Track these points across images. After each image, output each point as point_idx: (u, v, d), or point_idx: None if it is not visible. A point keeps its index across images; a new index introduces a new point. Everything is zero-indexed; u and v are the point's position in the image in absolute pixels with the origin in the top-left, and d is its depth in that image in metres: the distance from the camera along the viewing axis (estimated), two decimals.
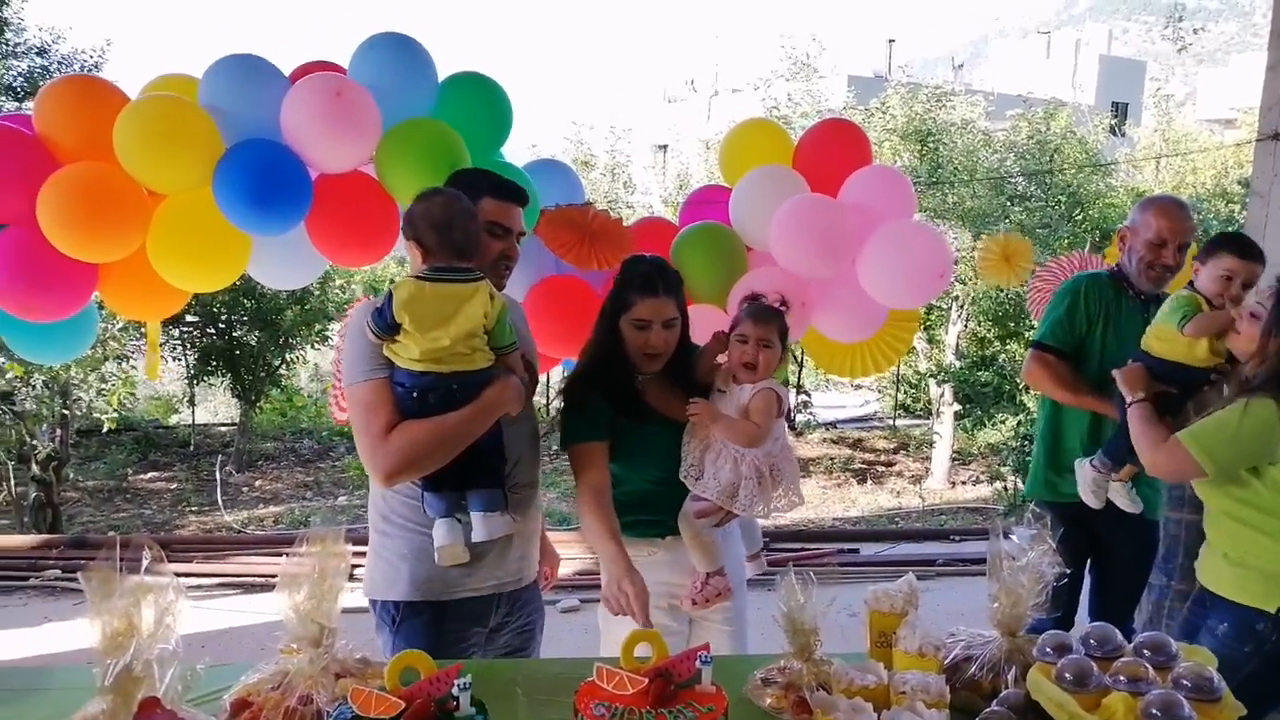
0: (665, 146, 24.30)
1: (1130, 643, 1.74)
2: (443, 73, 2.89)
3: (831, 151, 3.17)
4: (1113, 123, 17.73)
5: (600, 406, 2.31)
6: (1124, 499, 2.90)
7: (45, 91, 2.59)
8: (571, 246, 2.90)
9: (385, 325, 1.99)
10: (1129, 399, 2.58)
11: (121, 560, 1.54)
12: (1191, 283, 2.69)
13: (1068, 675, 1.58)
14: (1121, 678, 1.57)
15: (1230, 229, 10.33)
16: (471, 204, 2.11)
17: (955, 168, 11.45)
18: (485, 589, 2.21)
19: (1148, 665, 1.61)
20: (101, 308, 3.51)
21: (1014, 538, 1.94)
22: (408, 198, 2.62)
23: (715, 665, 1.63)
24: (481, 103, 2.86)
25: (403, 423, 2.01)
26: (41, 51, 10.33)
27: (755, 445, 2.28)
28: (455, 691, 1.49)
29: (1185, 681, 1.55)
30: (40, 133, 2.56)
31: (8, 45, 10.08)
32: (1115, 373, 2.70)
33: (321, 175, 2.69)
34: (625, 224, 3.08)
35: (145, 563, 1.55)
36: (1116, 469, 2.86)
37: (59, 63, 10.11)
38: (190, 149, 2.51)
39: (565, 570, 5.38)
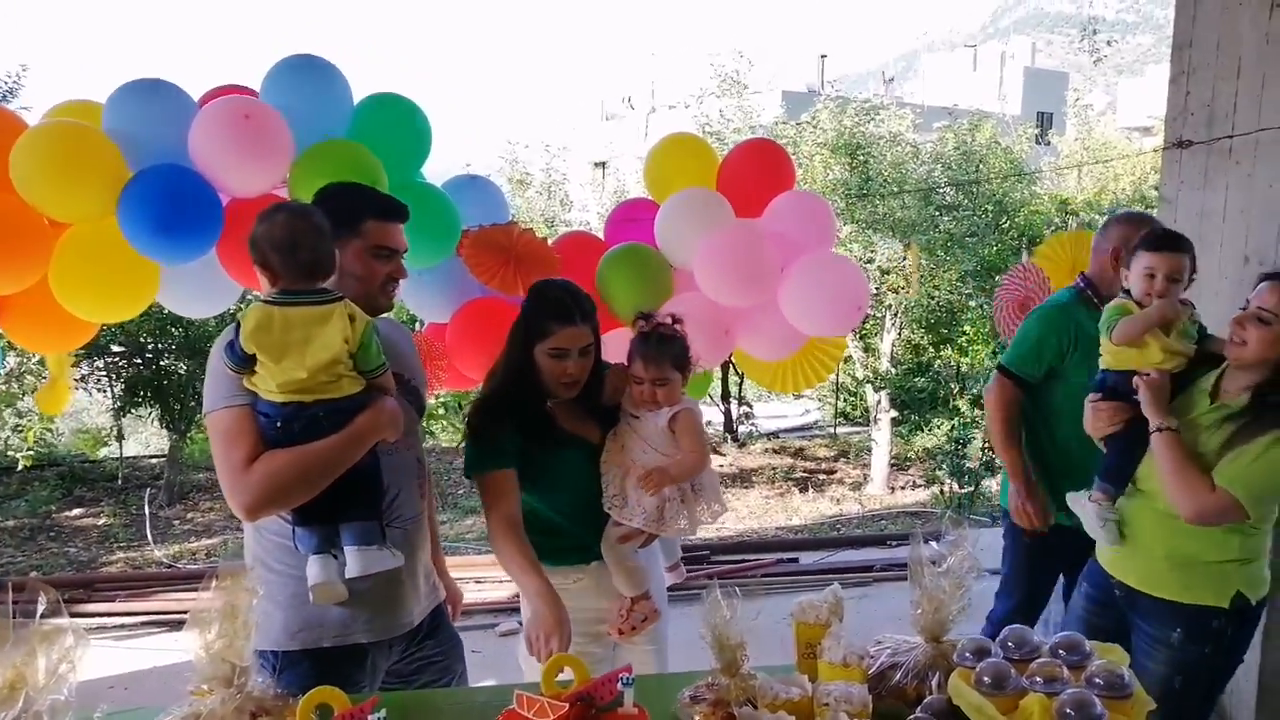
0: (604, 164, 24.39)
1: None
2: (368, 94, 2.86)
3: (755, 172, 3.21)
4: (1037, 132, 18.29)
5: (509, 433, 2.25)
6: (1095, 524, 2.51)
7: None
8: (495, 271, 2.87)
9: (238, 358, 1.86)
10: (1156, 424, 2.31)
11: (16, 606, 1.48)
12: (1126, 289, 2.52)
13: (986, 679, 1.60)
14: (1038, 679, 1.60)
15: None
16: (321, 219, 1.94)
17: (885, 180, 11.67)
18: (371, 633, 2.07)
19: (1063, 665, 1.64)
20: (10, 345, 3.38)
21: (934, 544, 1.97)
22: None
23: (641, 685, 1.62)
24: (398, 123, 2.82)
25: (265, 453, 1.88)
26: None
27: (704, 468, 2.31)
28: None
29: (1098, 680, 1.59)
30: None
31: None
32: (1141, 387, 2.38)
33: (233, 200, 2.63)
34: (550, 241, 3.07)
35: (40, 608, 1.49)
36: (1120, 491, 2.50)
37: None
38: (93, 176, 2.44)
39: (502, 594, 5.30)
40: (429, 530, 2.30)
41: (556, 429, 2.30)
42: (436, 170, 3.12)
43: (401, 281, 2.18)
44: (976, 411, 10.44)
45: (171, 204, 2.42)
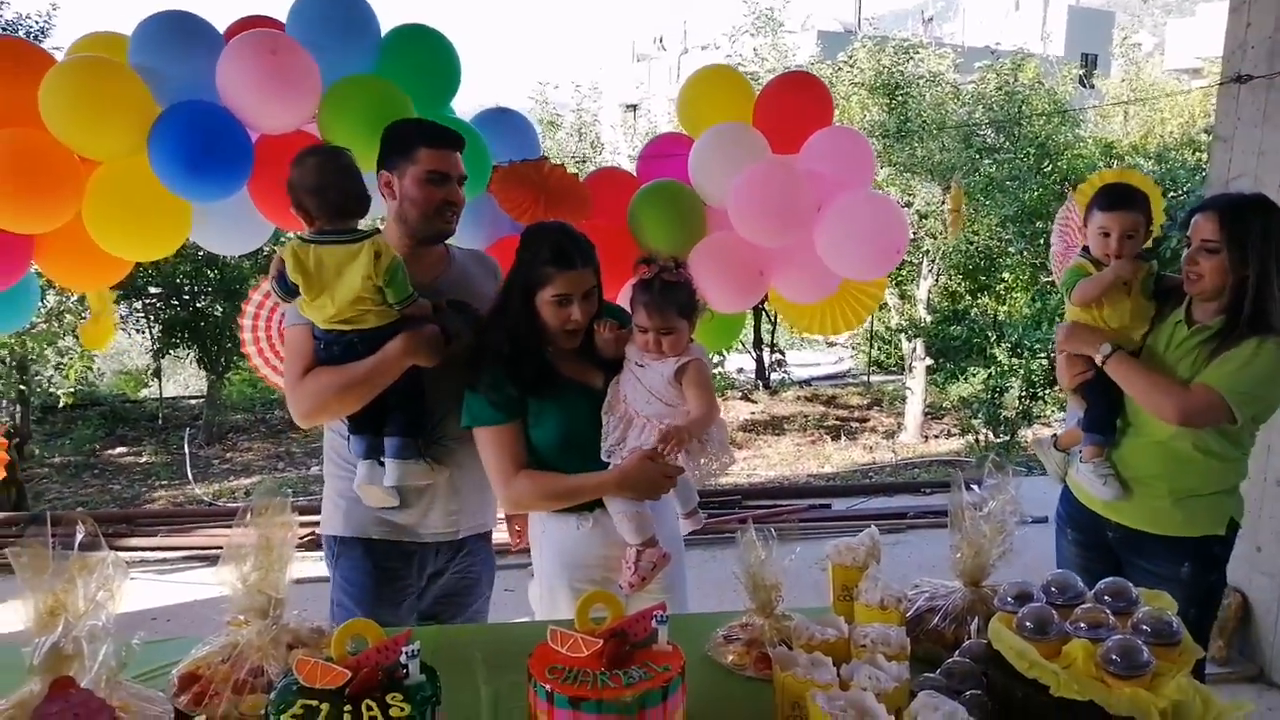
0: (634, 106, 24.04)
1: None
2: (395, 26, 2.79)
3: (793, 106, 3.10)
4: (1081, 73, 17.71)
5: (507, 385, 2.17)
6: (1096, 482, 2.48)
7: None
8: (527, 207, 2.82)
9: (285, 288, 2.10)
10: (1099, 354, 2.39)
11: (56, 538, 1.49)
12: (1085, 248, 2.52)
13: (1028, 624, 1.57)
14: (1082, 625, 1.56)
15: (1198, 177, 10.38)
16: (349, 160, 2.14)
17: (924, 121, 11.36)
18: (419, 536, 2.30)
19: (1108, 611, 1.59)
20: (49, 283, 3.40)
21: (975, 489, 1.93)
22: (354, 154, 2.55)
23: (676, 624, 1.60)
24: (426, 56, 2.76)
25: (316, 369, 2.15)
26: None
27: (714, 420, 2.19)
28: (403, 659, 1.45)
29: (1145, 626, 1.54)
30: None
31: None
32: (1062, 334, 2.49)
33: (262, 136, 2.59)
34: (582, 177, 3.01)
35: (79, 539, 1.50)
36: (1109, 439, 2.49)
37: (3, 29, 9.76)
38: (121, 112, 2.41)
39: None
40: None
41: (557, 376, 2.22)
42: (466, 110, 3.06)
43: None
44: (1014, 360, 10.29)
45: (201, 142, 2.40)
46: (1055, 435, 2.81)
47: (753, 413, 13.17)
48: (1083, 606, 1.62)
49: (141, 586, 5.12)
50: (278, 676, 1.57)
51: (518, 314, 2.17)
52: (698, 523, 2.40)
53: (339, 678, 1.42)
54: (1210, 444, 2.34)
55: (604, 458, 2.17)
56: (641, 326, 2.16)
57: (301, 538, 2.95)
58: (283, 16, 2.67)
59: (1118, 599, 1.68)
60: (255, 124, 2.54)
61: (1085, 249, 2.50)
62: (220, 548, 1.66)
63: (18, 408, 8.40)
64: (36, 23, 10.11)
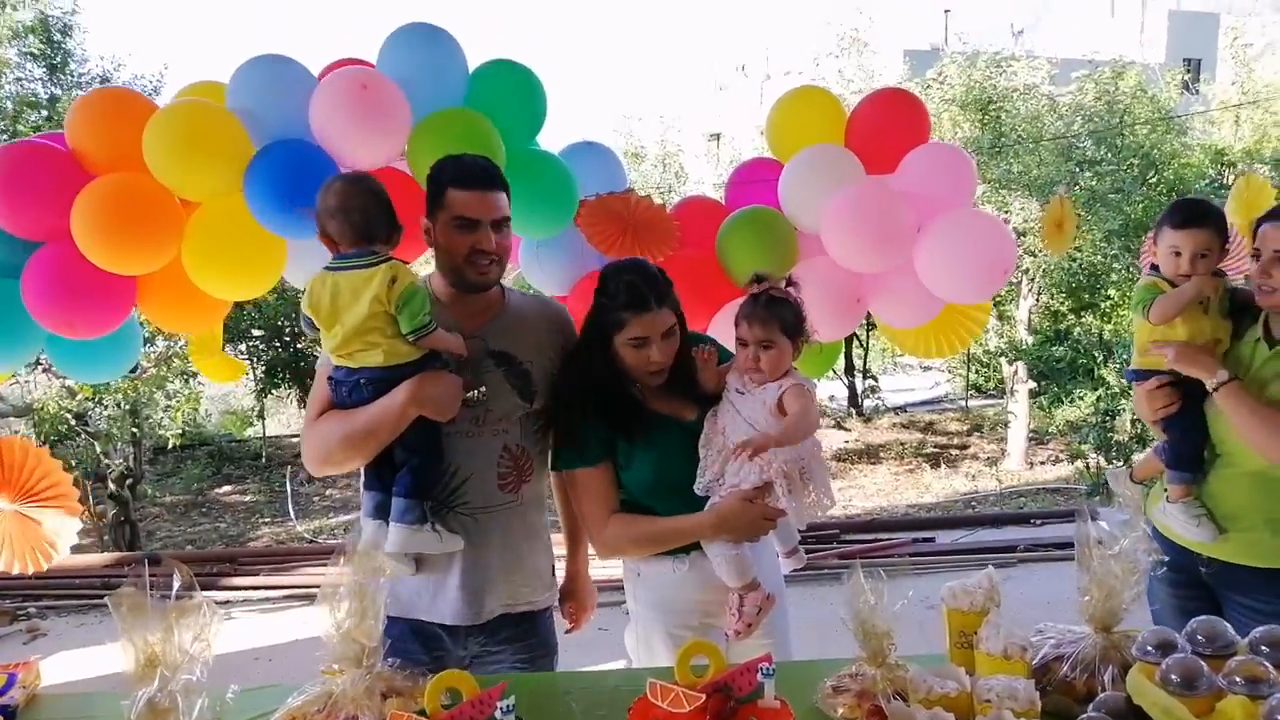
0: (718, 135, 24.05)
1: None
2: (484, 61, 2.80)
3: (887, 125, 2.97)
4: (1185, 78, 16.93)
5: (594, 426, 2.09)
6: (1189, 524, 2.29)
7: (75, 106, 2.57)
8: (614, 241, 2.78)
9: (307, 322, 1.97)
10: (1213, 380, 2.19)
11: (155, 579, 1.49)
12: (1155, 266, 2.37)
13: (1174, 677, 1.43)
14: (1238, 679, 1.41)
15: None
16: (375, 185, 1.99)
17: (1019, 135, 11.01)
18: (435, 617, 2.07)
19: (1267, 664, 1.44)
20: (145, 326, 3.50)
21: (1102, 522, 1.78)
22: None
23: (780, 672, 1.51)
24: (514, 90, 2.75)
25: (328, 413, 1.98)
26: (104, 80, 10.64)
27: (810, 435, 2.07)
28: (498, 715, 1.39)
29: None
30: (72, 147, 2.53)
31: (72, 77, 10.42)
32: (1172, 354, 2.26)
33: None
34: (668, 208, 2.96)
35: (176, 586, 1.50)
36: (1197, 476, 2.31)
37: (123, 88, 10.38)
38: (219, 153, 2.45)
39: None
40: (535, 528, 2.19)
41: (647, 412, 2.12)
42: (552, 146, 3.04)
43: (509, 254, 2.11)
44: (1125, 381, 9.81)
45: (294, 179, 2.40)
46: (1130, 467, 2.62)
47: (846, 441, 12.89)
48: (1237, 659, 1.47)
49: (245, 625, 5.25)
50: None
51: (597, 358, 2.08)
52: (799, 561, 2.29)
53: None
54: None
55: (699, 492, 2.08)
56: (741, 340, 2.08)
57: None
58: (374, 60, 2.71)
59: (1276, 649, 1.52)
60: (347, 160, 2.56)
61: (1154, 267, 2.35)
62: (320, 587, 1.64)
63: (131, 449, 8.80)
64: (150, 82, 10.73)
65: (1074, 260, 10.93)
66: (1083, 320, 11.82)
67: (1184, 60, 27.52)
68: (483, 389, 2.03)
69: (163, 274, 2.61)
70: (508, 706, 1.40)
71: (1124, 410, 9.47)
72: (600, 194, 2.81)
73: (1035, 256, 10.68)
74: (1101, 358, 10.29)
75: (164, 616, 1.45)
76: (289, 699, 1.63)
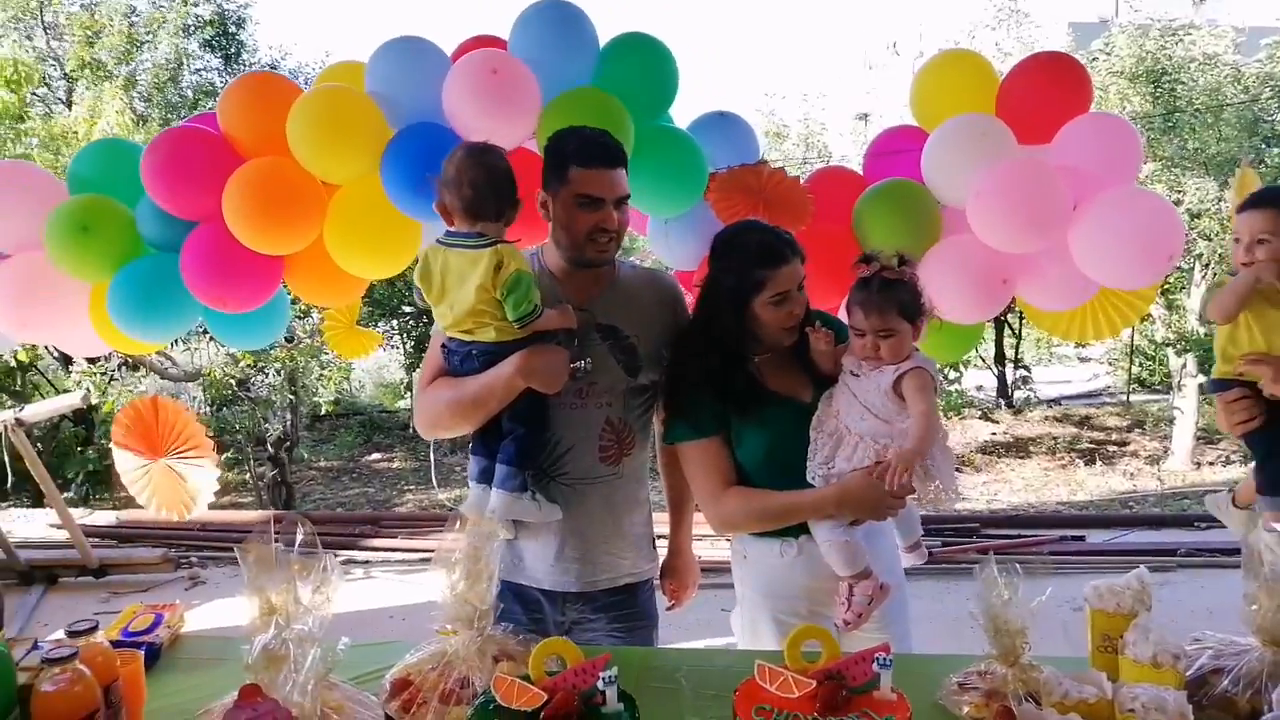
0: (866, 115, 23.37)
1: None
2: (614, 35, 2.78)
3: (1044, 92, 2.74)
4: None
5: (710, 401, 2.06)
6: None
7: (226, 91, 2.70)
8: (744, 214, 2.70)
9: (418, 292, 2.02)
10: None
11: (277, 538, 1.55)
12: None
13: None
14: None
15: None
16: (498, 157, 1.99)
17: (1196, 108, 10.14)
18: (537, 580, 2.12)
19: None
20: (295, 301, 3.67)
21: (1277, 526, 1.61)
22: None
23: (901, 664, 1.43)
24: (644, 65, 2.71)
25: (440, 379, 2.04)
26: (272, 68, 11.31)
27: (936, 438, 1.95)
28: (601, 685, 1.38)
29: None
30: (225, 131, 2.67)
31: (245, 67, 11.13)
32: (1250, 370, 2.08)
33: None
34: (802, 179, 2.85)
35: (299, 540, 1.55)
36: None
37: (288, 74, 11.01)
38: (357, 138, 2.53)
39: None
40: (635, 501, 2.19)
41: (763, 390, 2.07)
42: (688, 120, 2.98)
43: (637, 233, 2.11)
44: None
45: (428, 162, 2.44)
46: (1232, 490, 2.38)
47: (994, 433, 12.32)
48: None
49: (383, 585, 5.51)
50: (483, 687, 1.55)
51: (727, 325, 2.03)
52: (921, 557, 2.17)
53: (535, 699, 1.38)
54: None
55: (809, 478, 2.01)
56: (858, 329, 1.99)
57: None
58: (507, 35, 2.73)
59: None
60: None
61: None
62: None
63: (288, 415, 9.37)
64: (314, 69, 11.33)
65: None
66: None
67: None
68: (588, 361, 2.04)
69: (307, 252, 2.72)
70: (610, 677, 1.38)
71: None
72: (732, 166, 2.74)
73: (1210, 240, 9.85)
74: None
75: (286, 569, 1.50)
76: (406, 655, 1.67)
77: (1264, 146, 9.95)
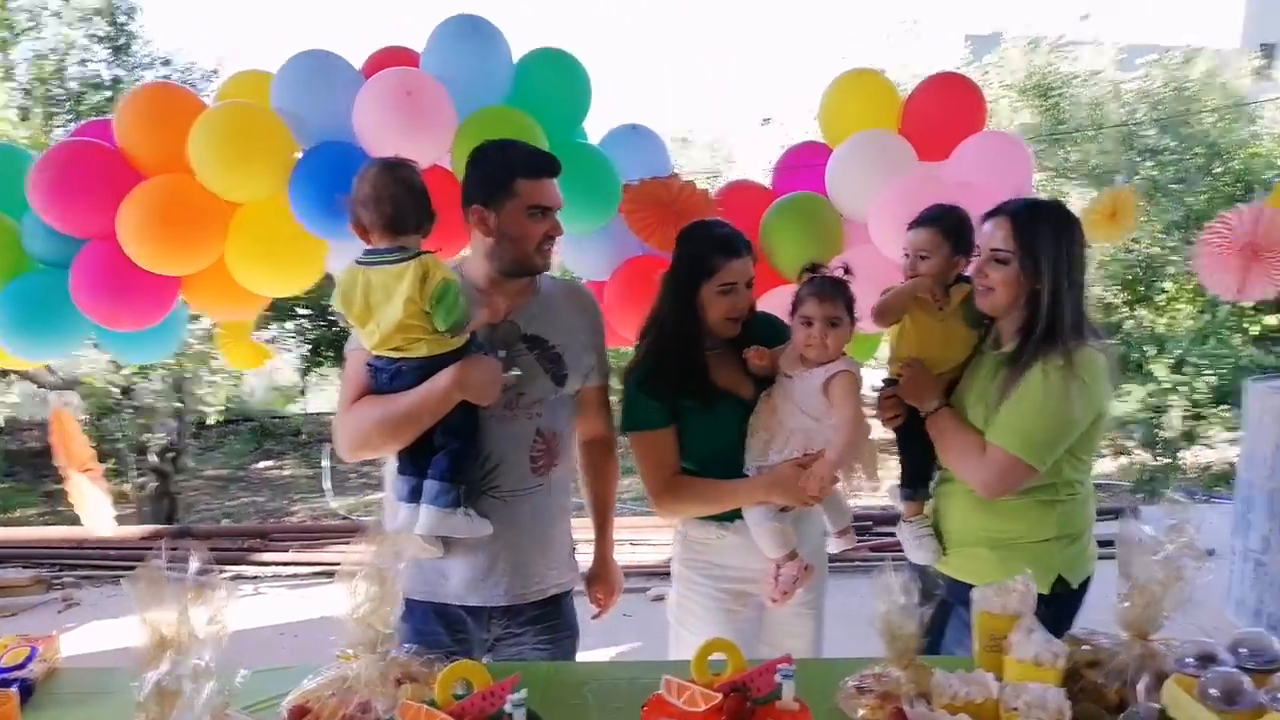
0: (769, 119, 23.77)
1: None
2: (528, 51, 2.78)
3: (942, 111, 2.88)
4: (1261, 64, 16.23)
5: (668, 389, 2.18)
6: (912, 544, 2.29)
7: (123, 103, 2.58)
8: (656, 227, 2.74)
9: (341, 316, 2.00)
10: (925, 408, 2.21)
11: (173, 558, 1.49)
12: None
13: (1214, 691, 1.37)
14: None
15: None
16: (412, 171, 1.99)
17: (1080, 122, 10.67)
18: (462, 599, 2.09)
19: None
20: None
21: (1147, 527, 1.70)
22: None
23: (805, 668, 1.48)
24: (558, 81, 2.74)
25: (365, 398, 1.99)
26: (166, 61, 10.79)
27: (865, 439, 2.14)
28: (508, 708, 1.37)
29: None
30: (120, 145, 2.55)
31: (135, 58, 10.57)
32: (907, 372, 2.25)
33: None
34: (712, 192, 2.90)
35: (193, 567, 1.49)
36: (921, 494, 2.32)
37: (182, 71, 10.55)
38: (264, 156, 2.46)
39: (658, 558, 5.26)
40: (562, 510, 2.21)
41: (710, 383, 2.19)
42: (598, 128, 2.99)
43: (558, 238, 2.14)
44: (1176, 377, 9.52)
45: (338, 182, 2.39)
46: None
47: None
48: None
49: (273, 601, 5.31)
50: (385, 713, 1.52)
51: (682, 310, 2.16)
52: (850, 542, 2.32)
53: None
54: (1029, 489, 2.12)
55: (745, 469, 2.17)
56: (807, 318, 2.13)
57: None
58: (420, 46, 2.68)
59: None
60: None
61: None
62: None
63: (175, 423, 8.93)
64: (210, 69, 10.82)
65: (1130, 252, 10.62)
66: (1136, 313, 11.49)
67: (1260, 45, 26.45)
68: (518, 372, 2.05)
69: (207, 269, 2.63)
70: (518, 700, 1.37)
71: (1172, 406, 9.19)
72: (644, 179, 2.76)
73: (1090, 247, 10.38)
74: (1153, 352, 9.99)
75: (180, 596, 1.44)
76: (303, 681, 1.63)
77: (1139, 159, 10.53)
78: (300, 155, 2.55)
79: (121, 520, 8.59)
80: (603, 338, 2.29)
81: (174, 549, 1.52)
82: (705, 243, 2.17)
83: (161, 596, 1.44)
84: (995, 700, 1.52)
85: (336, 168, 2.44)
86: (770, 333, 2.27)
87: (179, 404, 8.56)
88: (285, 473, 11.01)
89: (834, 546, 2.32)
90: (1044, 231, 2.08)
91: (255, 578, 5.72)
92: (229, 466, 11.16)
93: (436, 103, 2.51)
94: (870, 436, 2.20)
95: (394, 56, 2.71)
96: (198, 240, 2.53)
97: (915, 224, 2.31)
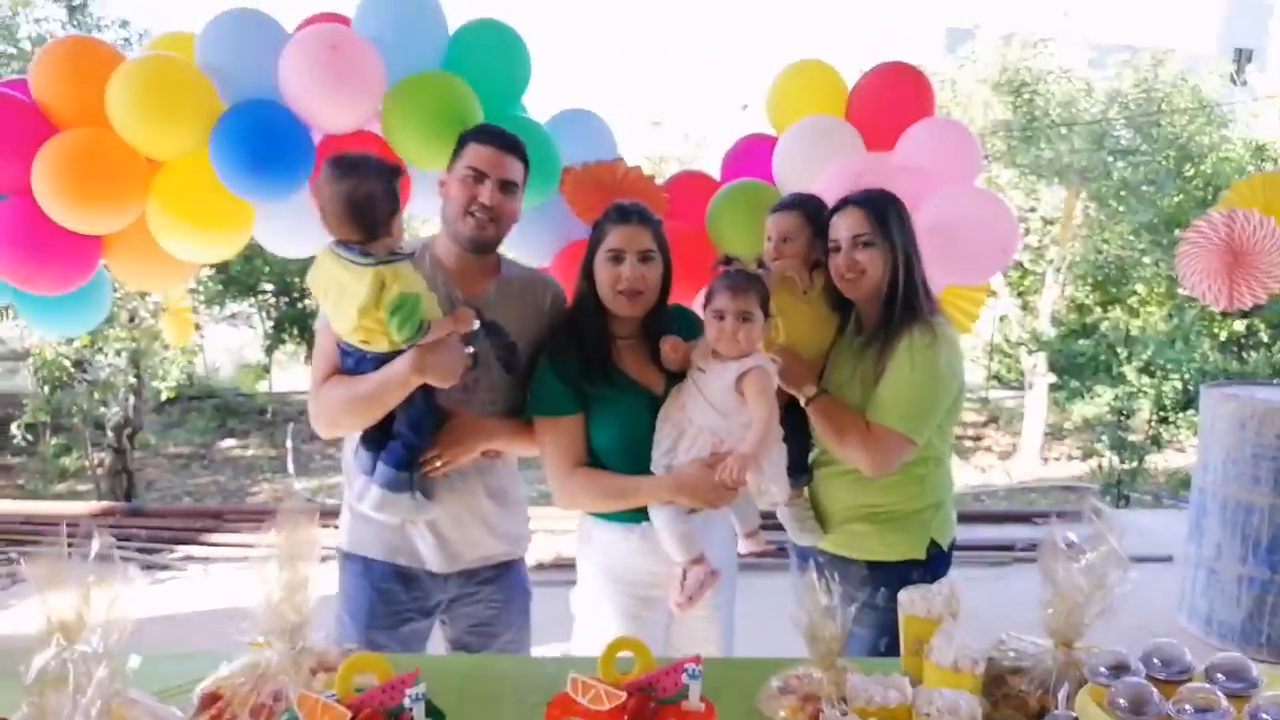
0: (746, 105, 23.74)
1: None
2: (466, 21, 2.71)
3: (889, 99, 2.86)
4: (1233, 69, 16.38)
5: (572, 367, 2.12)
6: (794, 527, 2.37)
7: (40, 55, 2.50)
8: (598, 210, 2.69)
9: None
10: (804, 396, 2.23)
11: (71, 546, 1.45)
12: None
13: (1122, 701, 1.37)
14: (1187, 707, 1.34)
15: None
16: (371, 172, 1.94)
17: (1052, 120, 10.69)
18: (421, 562, 2.17)
19: (1219, 694, 1.36)
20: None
21: (1071, 534, 1.70)
22: (417, 156, 2.48)
23: (729, 667, 1.45)
24: (495, 53, 2.67)
25: (334, 377, 2.04)
26: (124, 23, 10.58)
27: (775, 438, 2.08)
28: (407, 702, 1.34)
29: (1265, 715, 1.31)
30: (37, 98, 2.47)
31: (92, 19, 10.36)
32: (783, 360, 2.23)
33: (326, 136, 2.55)
34: (659, 181, 2.87)
35: (94, 551, 1.45)
36: (801, 479, 2.36)
37: (141, 35, 10.36)
38: (185, 112, 2.39)
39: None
40: (514, 480, 2.30)
41: (617, 372, 2.14)
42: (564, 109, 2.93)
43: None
44: (1145, 380, 9.60)
45: (261, 141, 2.35)
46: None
47: None
48: (1189, 685, 1.41)
49: (223, 583, 5.23)
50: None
51: (585, 283, 2.13)
52: (759, 544, 2.27)
53: (339, 718, 1.33)
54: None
55: (652, 467, 2.10)
56: (719, 311, 2.06)
57: None
58: (353, 13, 2.62)
59: (1233, 678, 1.45)
60: (316, 123, 2.50)
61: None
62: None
63: (131, 399, 8.77)
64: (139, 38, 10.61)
65: (1101, 253, 10.69)
66: (1109, 315, 11.59)
67: (1236, 50, 26.64)
68: (471, 349, 2.05)
69: (129, 232, 2.55)
70: (418, 694, 1.35)
71: (1141, 409, 9.27)
72: (587, 162, 2.73)
73: (1062, 246, 10.44)
74: (1124, 354, 10.07)
75: (78, 583, 1.40)
76: (220, 666, 1.60)
77: (1111, 159, 10.58)
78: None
79: (78, 496, 8.49)
80: None
81: (119, 527, 1.48)
82: (604, 213, 2.15)
83: (62, 580, 1.40)
84: (908, 706, 1.50)
85: (260, 125, 2.40)
86: (687, 327, 2.22)
87: (135, 379, 8.41)
88: (249, 452, 10.88)
89: (744, 548, 2.26)
90: (891, 214, 2.22)
91: (206, 559, 5.65)
92: (191, 444, 11.01)
93: (363, 60, 2.45)
94: (779, 441, 2.13)
95: (326, 20, 2.64)
96: (117, 194, 2.46)
97: (777, 209, 2.37)
